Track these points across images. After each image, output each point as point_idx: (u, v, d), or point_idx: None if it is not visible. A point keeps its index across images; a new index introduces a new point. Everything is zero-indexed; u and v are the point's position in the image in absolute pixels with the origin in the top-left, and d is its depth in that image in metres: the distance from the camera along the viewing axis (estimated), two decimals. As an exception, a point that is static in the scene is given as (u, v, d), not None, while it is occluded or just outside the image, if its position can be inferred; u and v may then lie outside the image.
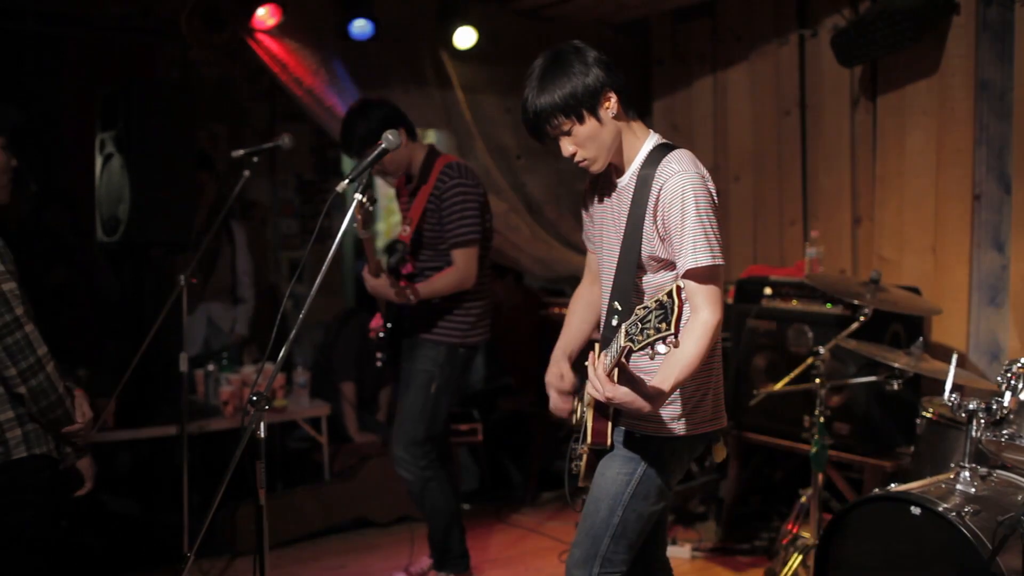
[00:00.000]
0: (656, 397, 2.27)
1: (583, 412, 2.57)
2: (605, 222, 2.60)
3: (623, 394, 2.23)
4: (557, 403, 2.78)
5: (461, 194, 3.76)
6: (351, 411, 5.30)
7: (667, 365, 2.31)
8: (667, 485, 2.55)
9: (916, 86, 4.43)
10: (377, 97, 4.01)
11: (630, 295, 2.46)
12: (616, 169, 2.54)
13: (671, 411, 2.48)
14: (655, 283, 2.48)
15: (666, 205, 2.37)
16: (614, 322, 2.42)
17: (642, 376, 2.33)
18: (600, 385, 2.24)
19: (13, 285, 2.58)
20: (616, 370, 2.25)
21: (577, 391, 2.74)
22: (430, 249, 3.85)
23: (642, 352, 2.09)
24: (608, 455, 2.54)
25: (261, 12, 4.63)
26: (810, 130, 5.02)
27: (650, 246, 2.43)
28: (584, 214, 2.74)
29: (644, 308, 2.08)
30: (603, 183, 2.62)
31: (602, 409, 2.44)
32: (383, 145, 2.58)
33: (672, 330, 2.00)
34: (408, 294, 3.71)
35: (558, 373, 2.75)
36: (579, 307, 2.84)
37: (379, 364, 4.03)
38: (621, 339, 2.13)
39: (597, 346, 2.49)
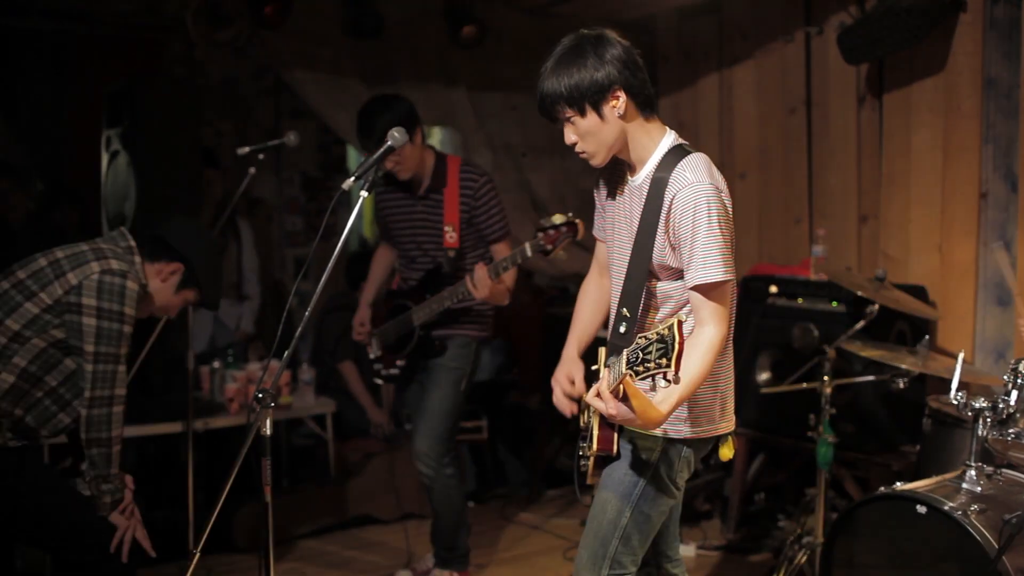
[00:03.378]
0: (656, 416, 2.26)
1: (590, 416, 2.57)
2: (617, 219, 2.56)
3: (625, 412, 2.22)
4: (560, 401, 2.73)
5: (491, 190, 3.85)
6: (362, 388, 5.23)
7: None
8: (675, 486, 2.53)
9: (923, 84, 4.42)
10: (394, 93, 3.99)
11: (639, 301, 2.44)
12: (629, 166, 2.50)
13: (678, 413, 2.45)
14: (665, 290, 2.45)
15: (678, 216, 2.33)
16: (622, 329, 2.41)
17: (646, 390, 2.30)
18: (603, 403, 2.23)
19: (129, 329, 2.91)
20: (620, 386, 2.24)
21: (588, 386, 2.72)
22: (464, 251, 3.87)
23: (638, 380, 2.09)
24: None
25: (267, 9, 4.63)
26: (816, 128, 5.01)
27: (660, 255, 2.40)
28: (597, 201, 2.69)
29: (646, 338, 2.07)
30: (616, 176, 2.57)
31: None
32: (389, 143, 2.57)
33: (672, 367, 2.01)
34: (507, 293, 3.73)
35: (568, 376, 2.70)
36: (587, 301, 2.81)
37: (376, 382, 4.05)
38: (623, 365, 2.12)
39: (603, 350, 2.48)
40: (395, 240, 4.03)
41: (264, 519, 2.38)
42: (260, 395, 2.32)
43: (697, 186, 2.31)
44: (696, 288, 2.33)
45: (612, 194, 2.58)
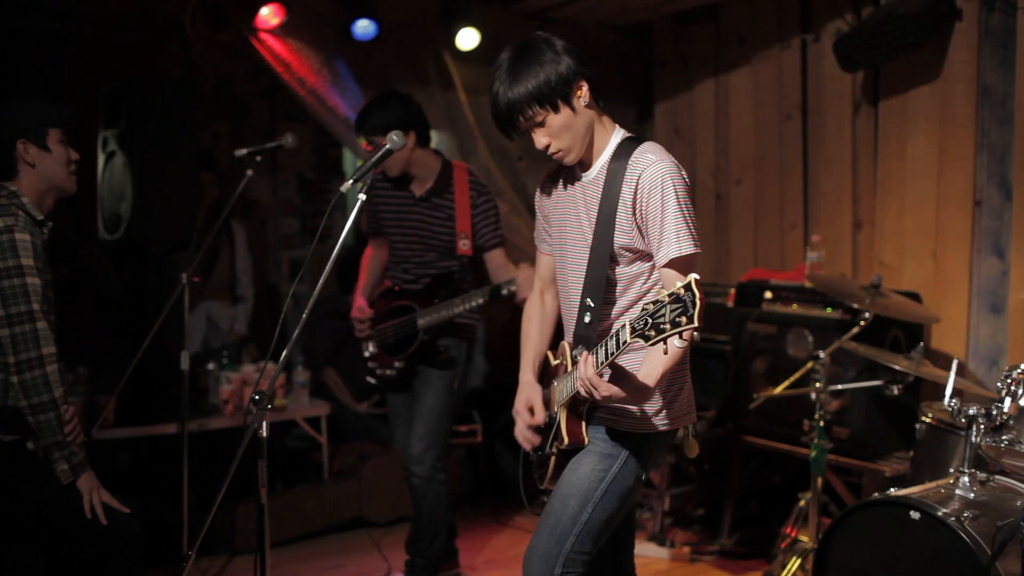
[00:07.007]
0: (644, 392, 2.27)
1: (554, 414, 2.54)
2: (568, 218, 2.56)
3: (618, 392, 2.21)
4: (523, 433, 2.65)
5: (490, 199, 3.90)
6: (345, 392, 5.23)
7: (652, 359, 2.30)
8: (639, 483, 2.51)
9: (918, 91, 4.44)
10: (406, 92, 3.97)
11: (602, 290, 2.44)
12: (581, 163, 2.52)
13: (650, 407, 2.45)
14: (629, 274, 2.45)
15: (646, 195, 2.36)
16: (587, 319, 2.40)
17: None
18: (593, 387, 2.21)
19: (37, 282, 2.74)
20: (607, 369, 2.22)
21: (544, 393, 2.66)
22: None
23: (647, 346, 2.07)
24: (581, 451, 2.48)
25: (264, 11, 4.64)
26: (812, 134, 5.02)
27: (626, 237, 2.41)
28: (539, 212, 2.70)
29: (654, 303, 2.05)
30: (563, 180, 2.59)
31: (575, 409, 2.41)
32: (387, 146, 2.58)
33: (696, 324, 1.98)
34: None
35: (527, 403, 2.62)
36: (533, 324, 2.77)
37: (370, 381, 4.05)
38: (626, 334, 2.11)
39: (566, 344, 2.47)
40: (387, 238, 4.01)
41: (260, 521, 2.38)
42: (257, 397, 2.32)
43: (661, 164, 2.36)
44: (671, 263, 2.34)
45: (559, 198, 2.60)
